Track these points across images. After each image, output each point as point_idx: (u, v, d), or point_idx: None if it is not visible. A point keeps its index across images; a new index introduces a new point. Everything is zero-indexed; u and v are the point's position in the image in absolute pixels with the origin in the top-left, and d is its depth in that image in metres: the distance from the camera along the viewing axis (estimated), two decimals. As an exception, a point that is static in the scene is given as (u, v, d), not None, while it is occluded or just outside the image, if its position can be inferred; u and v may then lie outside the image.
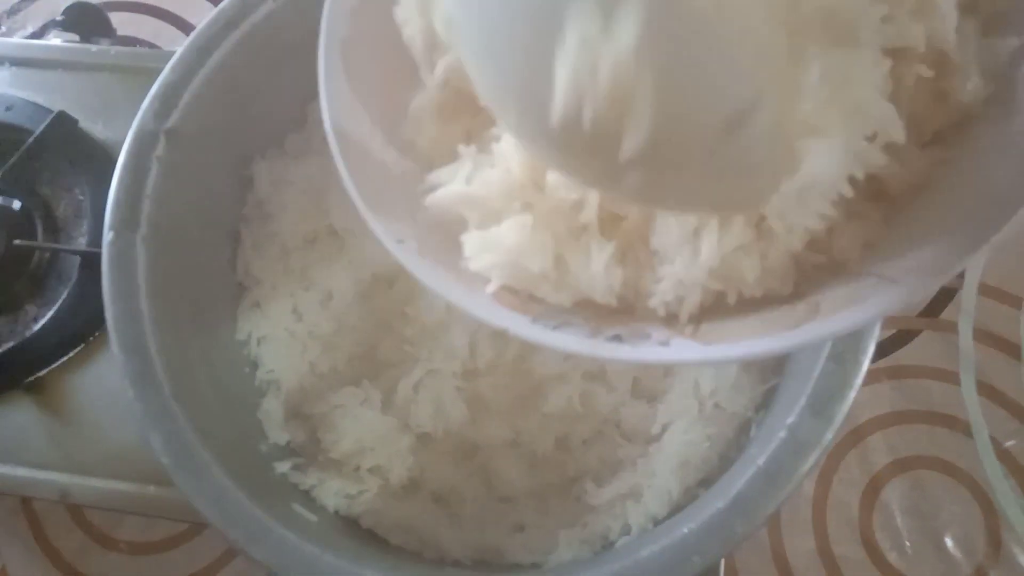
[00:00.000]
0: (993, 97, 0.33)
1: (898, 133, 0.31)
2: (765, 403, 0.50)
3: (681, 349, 0.33)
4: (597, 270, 0.35)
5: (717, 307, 0.35)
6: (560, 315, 0.36)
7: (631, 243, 0.35)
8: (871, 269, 0.33)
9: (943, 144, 0.34)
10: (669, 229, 0.34)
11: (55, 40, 0.76)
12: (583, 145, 0.28)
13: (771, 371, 0.51)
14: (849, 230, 0.34)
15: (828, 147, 0.30)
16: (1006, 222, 0.29)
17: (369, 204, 0.37)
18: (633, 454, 0.51)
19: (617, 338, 0.34)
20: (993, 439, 0.64)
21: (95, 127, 0.68)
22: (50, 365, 0.63)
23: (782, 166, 0.30)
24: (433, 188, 0.39)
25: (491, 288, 0.36)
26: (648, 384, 0.52)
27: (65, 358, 0.63)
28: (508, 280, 0.36)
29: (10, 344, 0.63)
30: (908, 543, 0.64)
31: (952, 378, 0.66)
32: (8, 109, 0.68)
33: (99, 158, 0.67)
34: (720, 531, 0.41)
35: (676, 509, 0.48)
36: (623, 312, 0.36)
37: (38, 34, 0.81)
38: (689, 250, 0.33)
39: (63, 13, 0.74)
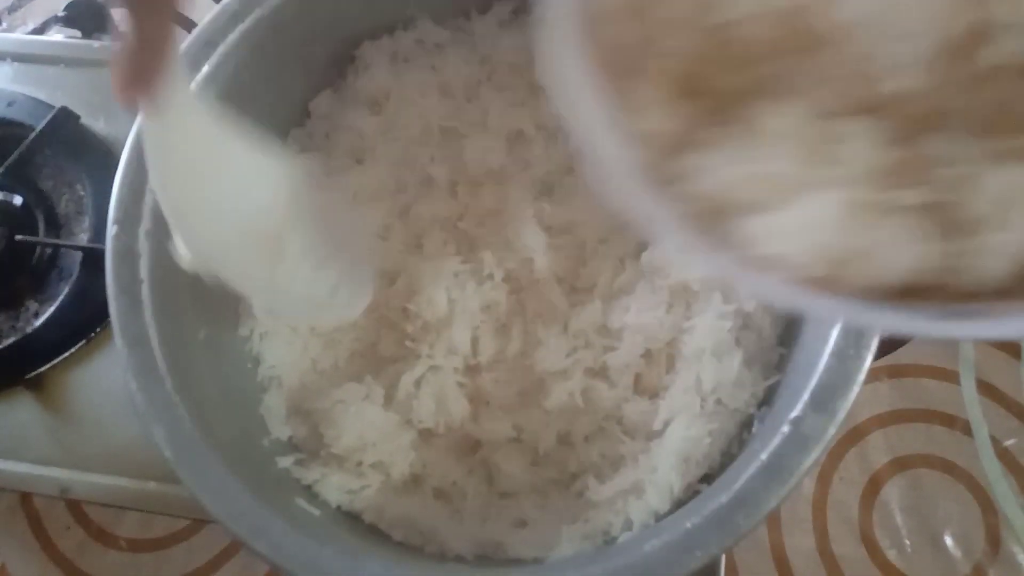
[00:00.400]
0: None
1: None
2: (767, 399, 0.50)
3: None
4: (910, 246, 0.31)
5: None
6: (873, 296, 0.32)
7: (945, 212, 0.31)
8: None
9: None
10: (992, 193, 0.30)
11: (57, 36, 0.76)
12: None
13: (773, 367, 0.51)
14: None
15: None
16: None
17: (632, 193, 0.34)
18: (635, 450, 0.51)
19: (959, 314, 0.30)
20: (992, 438, 0.65)
21: (96, 123, 0.69)
22: (51, 361, 0.63)
23: None
24: (690, 175, 0.35)
25: (794, 275, 0.32)
26: (650, 380, 0.52)
27: (66, 354, 0.63)
28: (817, 265, 0.32)
29: (11, 340, 0.63)
30: (907, 541, 0.64)
31: (952, 377, 0.67)
32: (10, 105, 0.69)
33: (101, 154, 0.67)
34: (722, 525, 0.41)
35: (677, 505, 0.48)
36: (938, 288, 0.32)
37: (40, 30, 0.80)
38: (1021, 214, 0.30)
39: (65, 9, 0.74)
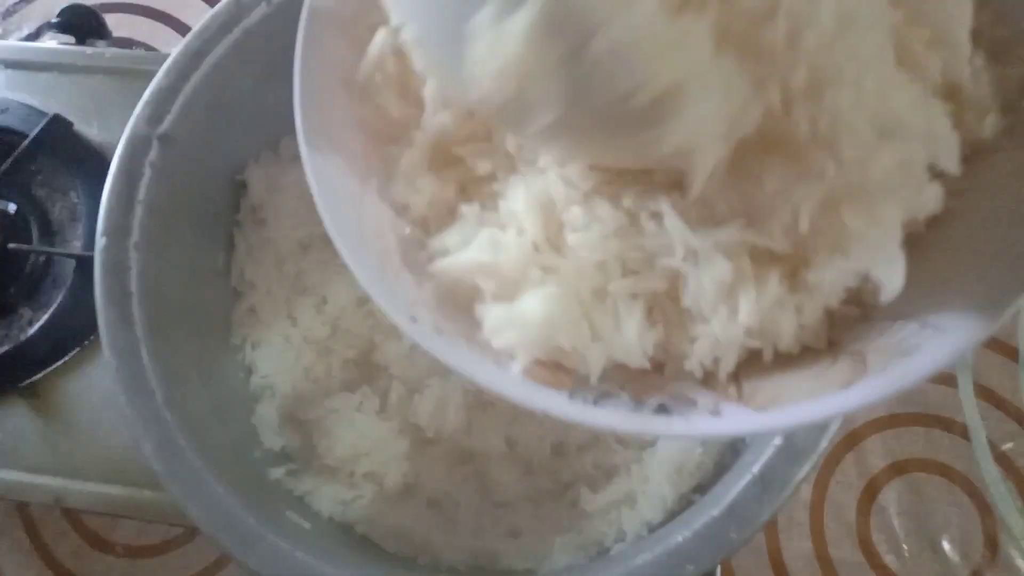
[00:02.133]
0: (1008, 128, 0.32)
1: (952, 163, 0.30)
2: (760, 408, 0.50)
3: (736, 419, 0.32)
4: (630, 334, 0.33)
5: (754, 365, 0.33)
6: (594, 385, 0.34)
7: (659, 302, 0.33)
8: (905, 313, 0.32)
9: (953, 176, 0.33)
10: (702, 287, 0.32)
11: (50, 42, 0.75)
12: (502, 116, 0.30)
13: (767, 376, 0.51)
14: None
15: (883, 231, 0.30)
16: None
17: (372, 277, 0.34)
18: (628, 459, 0.51)
19: (664, 409, 0.33)
20: (990, 442, 0.64)
21: (90, 130, 0.68)
22: (45, 369, 0.63)
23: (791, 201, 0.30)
24: (439, 254, 0.36)
25: (519, 368, 0.33)
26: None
27: (60, 362, 0.63)
28: (537, 356, 0.33)
29: (5, 348, 0.63)
30: (905, 546, 0.64)
31: (949, 381, 0.66)
32: (3, 112, 0.68)
33: (94, 161, 0.67)
34: (714, 539, 0.41)
35: (671, 515, 0.48)
36: (655, 374, 0.34)
37: (33, 36, 0.80)
38: (725, 308, 0.31)
39: (58, 15, 0.74)
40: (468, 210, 0.36)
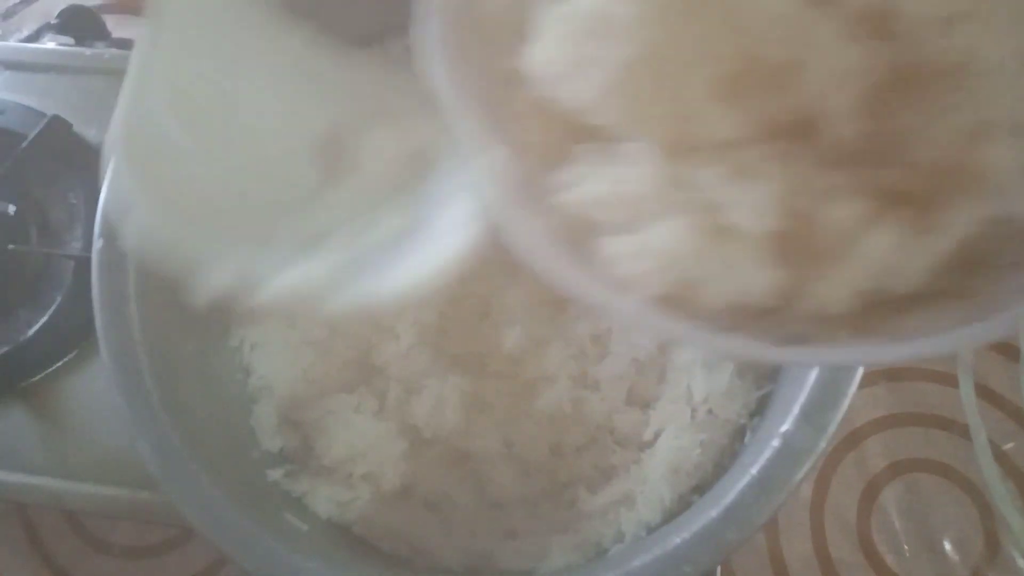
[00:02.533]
0: None
1: None
2: (759, 409, 0.50)
3: (859, 348, 0.32)
4: (757, 271, 0.32)
5: (877, 305, 0.32)
6: (720, 318, 0.33)
7: (786, 241, 0.33)
8: None
9: None
10: (830, 226, 0.31)
11: (49, 43, 0.75)
12: None
13: (765, 377, 0.50)
14: None
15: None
16: None
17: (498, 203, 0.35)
18: (626, 460, 0.51)
19: (784, 341, 0.32)
20: (991, 442, 0.64)
21: (89, 131, 0.68)
22: (44, 370, 0.63)
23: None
24: (557, 189, 0.35)
25: (645, 295, 0.33)
26: (641, 390, 0.52)
27: (59, 363, 0.63)
28: (665, 287, 0.33)
29: (4, 349, 0.63)
30: (905, 546, 0.64)
31: (950, 381, 0.66)
32: (2, 113, 0.68)
33: (93, 162, 0.66)
34: (712, 540, 0.41)
35: (669, 516, 0.48)
36: (779, 313, 0.33)
37: (32, 37, 0.80)
38: (853, 248, 0.31)
39: (57, 16, 0.74)
40: (585, 149, 0.35)
